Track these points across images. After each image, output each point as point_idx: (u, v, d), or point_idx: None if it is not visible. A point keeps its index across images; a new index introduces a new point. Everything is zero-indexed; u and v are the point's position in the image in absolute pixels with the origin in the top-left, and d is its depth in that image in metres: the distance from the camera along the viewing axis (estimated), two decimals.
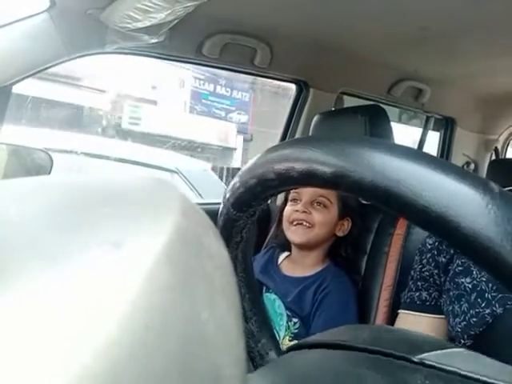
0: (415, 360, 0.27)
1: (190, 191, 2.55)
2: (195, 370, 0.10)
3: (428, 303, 0.80)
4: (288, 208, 1.18)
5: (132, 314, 0.10)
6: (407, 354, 0.28)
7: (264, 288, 1.18)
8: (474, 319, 0.68)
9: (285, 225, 1.18)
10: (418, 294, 0.81)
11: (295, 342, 0.79)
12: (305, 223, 1.14)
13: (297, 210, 1.15)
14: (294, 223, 1.15)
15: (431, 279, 0.79)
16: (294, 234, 1.16)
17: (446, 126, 2.05)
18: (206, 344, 0.11)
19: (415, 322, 0.80)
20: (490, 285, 0.68)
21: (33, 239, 0.11)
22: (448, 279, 0.75)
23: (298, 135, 1.60)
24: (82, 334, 0.09)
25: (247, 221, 0.35)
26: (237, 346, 0.12)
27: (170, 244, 0.12)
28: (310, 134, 1.42)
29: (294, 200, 1.17)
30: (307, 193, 1.15)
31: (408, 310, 0.82)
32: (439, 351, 0.28)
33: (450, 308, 0.73)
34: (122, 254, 0.11)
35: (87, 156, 2.71)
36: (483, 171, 2.07)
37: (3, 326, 0.09)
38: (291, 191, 1.18)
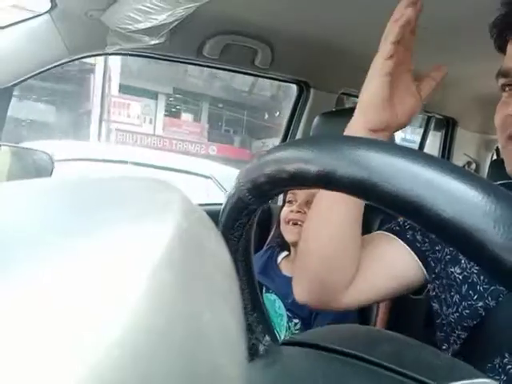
0: None
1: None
2: (196, 370, 0.10)
3: (409, 236, 0.71)
4: (285, 209, 1.23)
5: (134, 316, 0.10)
6: (432, 381, 0.26)
7: (264, 288, 1.18)
8: (467, 311, 0.66)
9: (282, 225, 1.23)
10: (400, 228, 0.73)
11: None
12: (300, 222, 1.17)
13: (292, 211, 1.19)
14: (290, 223, 1.19)
15: (419, 231, 0.71)
16: (289, 234, 1.20)
17: (447, 126, 2.05)
18: (207, 345, 0.11)
19: (384, 241, 0.71)
20: (482, 277, 0.66)
21: (33, 241, 0.11)
22: (442, 267, 0.72)
23: (298, 136, 1.60)
24: (86, 336, 0.09)
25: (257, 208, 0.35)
26: (238, 347, 0.12)
27: (170, 246, 0.12)
28: (311, 134, 1.42)
29: (290, 201, 1.22)
30: (302, 193, 1.19)
31: (383, 231, 0.73)
32: (467, 381, 0.27)
33: (443, 296, 0.70)
34: (123, 257, 0.11)
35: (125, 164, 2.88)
36: (484, 171, 2.07)
37: (5, 326, 0.09)
38: (288, 193, 1.22)
